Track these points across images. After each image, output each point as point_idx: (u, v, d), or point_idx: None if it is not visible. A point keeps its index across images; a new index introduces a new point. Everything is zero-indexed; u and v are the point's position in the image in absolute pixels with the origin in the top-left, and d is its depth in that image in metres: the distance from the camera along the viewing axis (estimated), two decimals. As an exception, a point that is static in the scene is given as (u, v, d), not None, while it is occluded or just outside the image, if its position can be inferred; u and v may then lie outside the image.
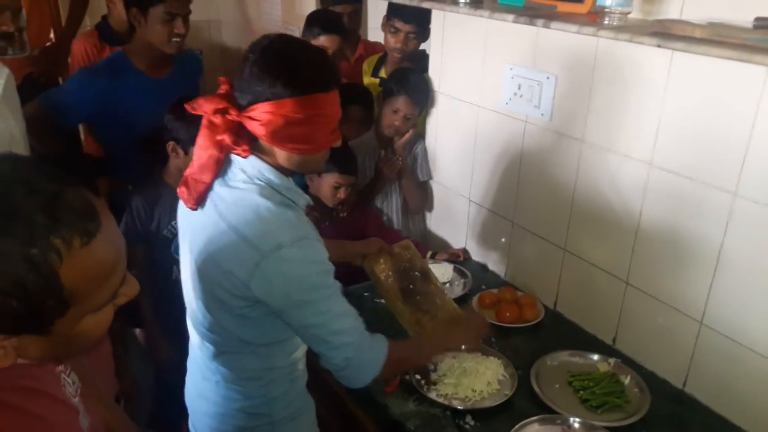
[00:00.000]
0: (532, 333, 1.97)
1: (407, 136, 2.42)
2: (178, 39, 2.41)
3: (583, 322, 2.02)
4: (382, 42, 2.82)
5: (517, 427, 1.55)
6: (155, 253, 2.22)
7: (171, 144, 2.14)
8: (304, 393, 1.59)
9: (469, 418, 1.61)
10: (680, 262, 1.68)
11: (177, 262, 2.20)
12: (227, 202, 1.34)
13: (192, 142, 2.10)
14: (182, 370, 1.68)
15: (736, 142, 1.48)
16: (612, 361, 1.81)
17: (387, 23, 2.65)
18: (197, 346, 1.54)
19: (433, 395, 1.67)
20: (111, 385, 1.77)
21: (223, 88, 1.33)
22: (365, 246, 1.84)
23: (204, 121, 1.34)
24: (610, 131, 1.80)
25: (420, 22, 2.57)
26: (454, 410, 1.63)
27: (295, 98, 1.25)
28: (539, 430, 1.56)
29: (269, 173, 1.34)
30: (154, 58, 2.47)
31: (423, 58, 2.60)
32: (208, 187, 1.37)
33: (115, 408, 1.30)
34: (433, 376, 1.74)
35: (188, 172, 1.39)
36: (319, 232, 1.42)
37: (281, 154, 1.33)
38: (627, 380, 1.74)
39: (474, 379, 1.71)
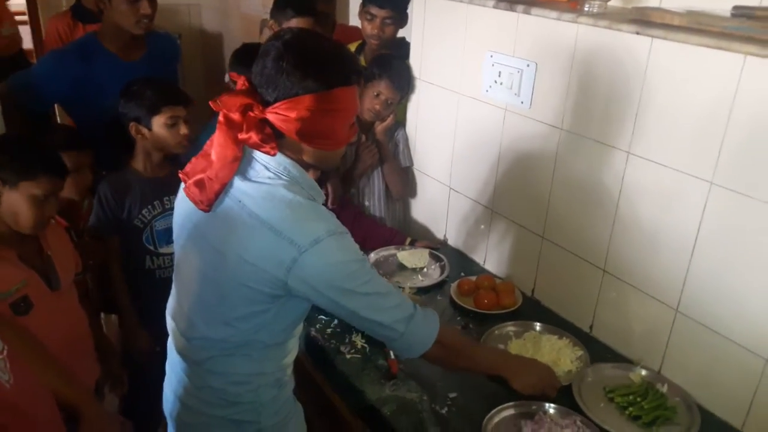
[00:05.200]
0: (509, 320, 1.97)
1: (388, 121, 2.41)
2: (145, 20, 2.34)
3: (560, 309, 2.03)
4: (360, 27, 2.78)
5: (492, 412, 1.56)
6: (127, 244, 2.19)
7: (133, 126, 2.10)
8: (292, 399, 1.56)
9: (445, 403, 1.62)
10: (657, 249, 1.69)
11: (150, 252, 2.20)
12: (254, 197, 1.30)
13: (150, 112, 2.07)
14: (160, 361, 1.63)
15: (713, 130, 1.49)
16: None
17: (362, 10, 2.61)
18: (180, 351, 1.49)
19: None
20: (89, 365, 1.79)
21: (241, 84, 1.30)
22: None
23: (221, 118, 1.29)
24: (589, 119, 1.80)
25: (395, 6, 2.54)
26: (431, 396, 1.63)
27: (325, 92, 1.25)
28: (514, 416, 1.57)
29: (294, 169, 1.33)
30: (125, 41, 2.41)
31: (403, 46, 2.58)
32: (224, 187, 1.32)
33: (76, 381, 1.38)
34: None
35: (206, 173, 1.32)
36: None
37: (308, 150, 1.32)
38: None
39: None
